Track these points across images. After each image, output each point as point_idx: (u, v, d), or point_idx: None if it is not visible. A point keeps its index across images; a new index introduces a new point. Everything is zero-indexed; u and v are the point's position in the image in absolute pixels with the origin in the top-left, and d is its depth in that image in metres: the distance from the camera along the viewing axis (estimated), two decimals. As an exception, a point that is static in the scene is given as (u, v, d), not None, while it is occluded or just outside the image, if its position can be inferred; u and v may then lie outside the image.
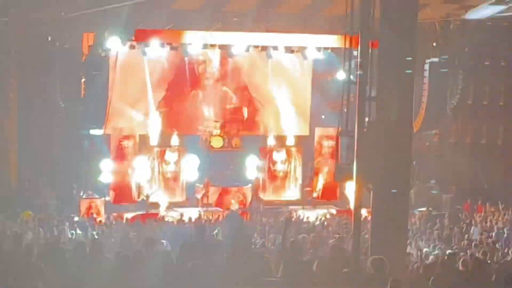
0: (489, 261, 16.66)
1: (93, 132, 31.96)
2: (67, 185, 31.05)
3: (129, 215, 28.85)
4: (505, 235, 23.71)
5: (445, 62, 33.29)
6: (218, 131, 32.01)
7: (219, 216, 28.38)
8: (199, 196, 31.25)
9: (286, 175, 33.26)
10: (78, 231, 24.56)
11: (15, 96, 31.45)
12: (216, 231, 21.15)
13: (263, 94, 33.30)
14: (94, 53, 29.60)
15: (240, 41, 30.57)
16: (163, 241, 17.45)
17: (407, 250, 18.61)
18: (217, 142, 31.93)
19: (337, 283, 12.65)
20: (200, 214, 29.24)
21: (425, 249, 20.70)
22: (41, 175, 31.45)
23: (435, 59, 33.18)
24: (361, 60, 15.85)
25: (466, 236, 24.22)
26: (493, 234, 24.04)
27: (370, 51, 16.05)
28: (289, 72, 33.04)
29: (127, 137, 30.89)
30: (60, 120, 32.20)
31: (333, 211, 30.73)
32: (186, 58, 31.56)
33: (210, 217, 28.18)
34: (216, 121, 32.41)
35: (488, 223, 26.67)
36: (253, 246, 18.00)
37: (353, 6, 15.92)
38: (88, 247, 13.87)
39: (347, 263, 14.15)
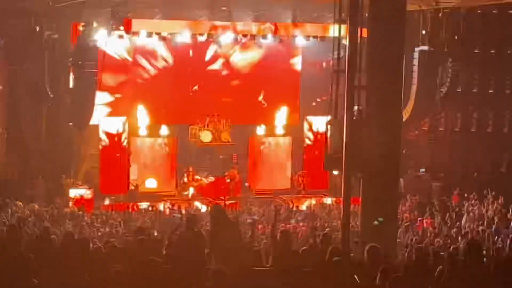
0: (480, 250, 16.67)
1: (81, 122, 31.78)
2: (56, 175, 30.95)
3: (118, 205, 28.81)
4: (495, 224, 23.73)
5: (435, 50, 33.23)
6: (208, 125, 31.53)
7: (208, 206, 28.32)
8: (186, 186, 31.17)
9: (275, 164, 33.19)
10: (68, 221, 24.50)
11: (4, 86, 31.35)
12: None
13: (252, 84, 33.18)
14: (82, 43, 29.41)
15: (229, 31, 30.49)
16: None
17: (397, 238, 18.66)
18: (206, 137, 31.45)
19: (328, 271, 12.62)
20: (190, 204, 29.21)
21: (415, 238, 20.73)
22: (30, 165, 31.36)
23: (425, 47, 33.10)
24: (350, 48, 15.83)
25: (457, 224, 24.26)
26: (483, 222, 24.08)
27: (359, 39, 16.04)
28: (278, 61, 32.94)
29: (116, 128, 30.78)
30: (49, 110, 32.09)
31: (323, 200, 30.68)
32: (175, 48, 31.48)
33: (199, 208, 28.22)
34: (205, 115, 31.86)
35: (478, 212, 26.69)
36: (242, 237, 17.94)
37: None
38: (77, 237, 13.82)
39: (338, 252, 14.12)
